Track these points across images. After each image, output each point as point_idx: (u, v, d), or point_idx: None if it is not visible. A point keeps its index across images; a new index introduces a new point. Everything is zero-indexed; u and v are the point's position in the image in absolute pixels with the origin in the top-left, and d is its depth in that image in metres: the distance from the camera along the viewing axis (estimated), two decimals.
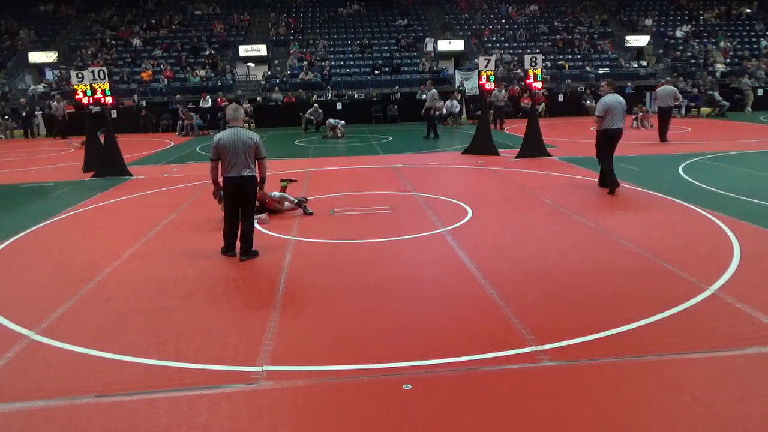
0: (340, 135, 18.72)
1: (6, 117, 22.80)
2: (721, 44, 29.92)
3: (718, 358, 3.66)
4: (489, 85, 13.42)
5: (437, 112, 22.28)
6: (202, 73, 26.95)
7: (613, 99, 8.76)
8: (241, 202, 5.98)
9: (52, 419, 3.21)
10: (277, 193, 8.17)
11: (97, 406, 3.32)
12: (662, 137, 14.86)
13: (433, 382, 3.49)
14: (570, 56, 29.25)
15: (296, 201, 8.24)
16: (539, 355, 3.76)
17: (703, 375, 3.48)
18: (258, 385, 3.51)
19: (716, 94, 23.43)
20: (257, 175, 5.95)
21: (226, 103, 23.17)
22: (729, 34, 31.33)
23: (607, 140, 8.95)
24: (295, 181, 9.45)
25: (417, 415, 3.15)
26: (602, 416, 3.10)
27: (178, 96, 24.28)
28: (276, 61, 29.11)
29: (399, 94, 25.07)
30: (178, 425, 3.11)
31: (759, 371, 3.49)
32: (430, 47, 28.84)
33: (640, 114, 18.96)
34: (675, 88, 15.46)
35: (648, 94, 24.95)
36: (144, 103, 24.02)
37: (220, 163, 5.89)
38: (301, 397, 3.38)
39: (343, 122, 19.35)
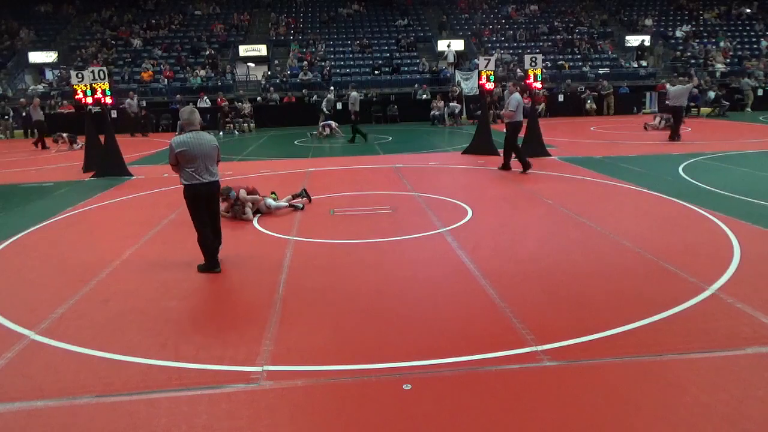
0: (333, 132, 18.90)
1: (6, 117, 22.78)
2: (721, 44, 29.90)
3: (718, 358, 3.66)
4: (489, 85, 13.41)
5: (438, 113, 22.44)
6: (202, 73, 26.93)
7: (521, 97, 11.07)
8: (209, 208, 5.61)
9: (52, 419, 3.21)
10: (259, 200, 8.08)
11: (97, 406, 3.32)
12: (675, 136, 14.88)
13: (433, 382, 3.49)
14: (570, 56, 29.22)
15: (286, 202, 8.35)
16: (539, 355, 3.76)
17: (703, 375, 3.48)
18: (258, 385, 3.51)
19: (717, 93, 23.39)
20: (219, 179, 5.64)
21: (226, 103, 23.17)
22: (729, 34, 31.29)
23: (517, 130, 11.05)
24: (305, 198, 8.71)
25: (417, 415, 3.15)
26: (602, 416, 3.10)
27: (178, 96, 24.27)
28: (276, 61, 29.09)
29: (408, 93, 24.85)
30: (178, 425, 3.11)
31: (759, 371, 3.49)
32: (451, 58, 28.14)
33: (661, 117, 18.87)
34: (690, 86, 15.56)
35: (648, 95, 24.93)
36: (144, 103, 24.01)
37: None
38: (301, 397, 3.38)
39: (335, 123, 19.52)
